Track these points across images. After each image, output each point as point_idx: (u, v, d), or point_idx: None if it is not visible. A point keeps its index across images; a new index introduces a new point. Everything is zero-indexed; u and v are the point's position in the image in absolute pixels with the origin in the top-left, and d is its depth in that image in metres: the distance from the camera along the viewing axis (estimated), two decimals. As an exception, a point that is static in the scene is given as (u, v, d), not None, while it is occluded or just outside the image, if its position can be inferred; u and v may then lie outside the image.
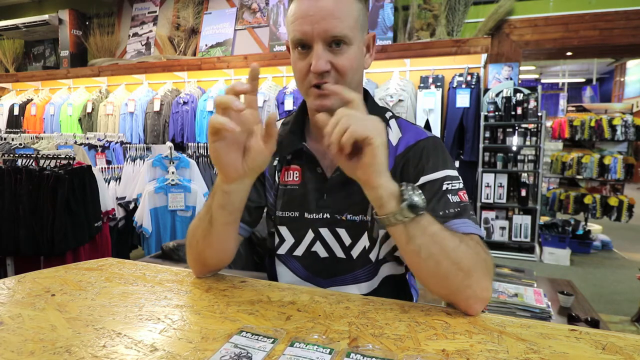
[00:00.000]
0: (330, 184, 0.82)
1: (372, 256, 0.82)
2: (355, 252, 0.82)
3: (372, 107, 0.84)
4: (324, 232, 0.83)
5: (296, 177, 0.86)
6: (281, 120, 0.94)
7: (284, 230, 0.86)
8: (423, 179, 0.75)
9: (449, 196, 0.72)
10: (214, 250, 0.76)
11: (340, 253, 0.83)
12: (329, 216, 0.82)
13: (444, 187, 0.73)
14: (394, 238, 0.65)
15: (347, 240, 0.82)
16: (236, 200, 0.71)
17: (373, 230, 0.81)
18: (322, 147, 0.84)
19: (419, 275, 0.67)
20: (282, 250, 0.87)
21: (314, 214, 0.83)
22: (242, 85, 0.63)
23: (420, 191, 0.62)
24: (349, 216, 0.81)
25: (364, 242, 0.81)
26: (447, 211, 0.71)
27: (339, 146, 0.60)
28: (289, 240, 0.86)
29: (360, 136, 0.58)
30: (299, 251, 0.85)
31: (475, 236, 0.69)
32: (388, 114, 0.86)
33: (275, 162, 0.88)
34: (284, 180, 0.87)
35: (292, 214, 0.85)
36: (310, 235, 0.84)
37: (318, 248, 0.84)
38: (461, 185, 0.75)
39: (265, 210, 0.91)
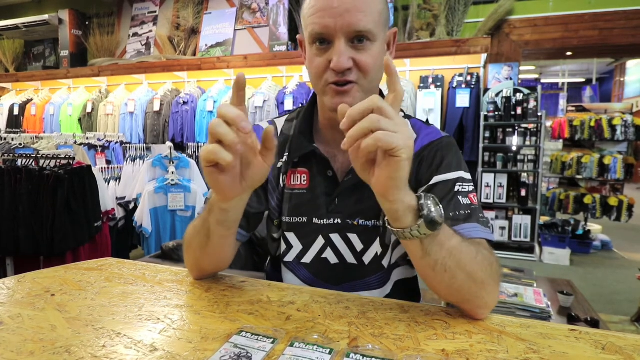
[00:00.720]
0: (342, 188, 0.79)
1: (385, 262, 0.79)
2: (367, 258, 0.79)
3: None
4: (335, 237, 0.80)
5: (304, 180, 0.82)
6: (285, 117, 0.90)
7: (291, 236, 0.83)
8: (436, 179, 0.73)
9: (460, 198, 0.71)
10: (211, 258, 0.74)
11: (351, 259, 0.80)
12: (340, 221, 0.79)
13: (456, 189, 0.72)
14: (408, 251, 0.62)
15: (359, 246, 0.79)
16: (234, 215, 0.67)
17: (386, 235, 0.78)
18: (333, 149, 0.82)
19: (431, 286, 0.64)
20: (289, 258, 0.83)
21: (324, 220, 0.80)
22: (232, 114, 0.53)
23: (438, 203, 0.57)
24: (361, 221, 0.78)
25: (376, 247, 0.79)
26: (457, 213, 0.69)
27: (355, 144, 0.52)
28: (297, 247, 0.83)
29: (387, 145, 0.50)
30: (308, 258, 0.82)
31: (485, 242, 0.67)
32: (400, 115, 0.84)
33: (280, 164, 0.84)
34: (290, 184, 0.83)
35: (300, 219, 0.82)
36: (320, 241, 0.81)
37: (328, 254, 0.81)
38: (472, 188, 0.73)
39: (265, 213, 0.87)
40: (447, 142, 0.79)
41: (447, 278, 0.60)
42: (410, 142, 0.53)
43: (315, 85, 0.74)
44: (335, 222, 0.80)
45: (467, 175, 0.74)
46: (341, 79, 0.69)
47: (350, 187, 0.78)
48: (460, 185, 0.72)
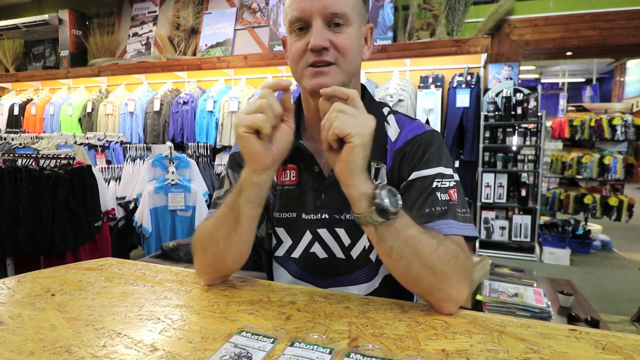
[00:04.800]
0: (328, 183, 0.80)
1: (372, 256, 0.80)
2: (355, 253, 0.81)
3: (370, 103, 0.82)
4: (323, 232, 0.81)
5: (293, 176, 0.84)
6: None
7: (281, 231, 0.85)
8: (415, 174, 0.74)
9: (438, 194, 0.71)
10: (235, 249, 0.73)
11: (339, 253, 0.81)
12: (327, 216, 0.81)
13: (434, 185, 0.72)
14: (367, 235, 0.67)
15: (347, 241, 0.81)
16: (264, 191, 0.70)
17: None
18: (318, 145, 0.83)
19: (392, 273, 0.68)
20: (279, 252, 0.85)
21: (312, 215, 0.82)
22: (285, 82, 0.67)
23: (395, 194, 0.62)
24: (347, 215, 0.79)
25: (363, 242, 0.80)
26: (433, 209, 0.70)
27: (327, 142, 0.62)
28: (287, 242, 0.85)
29: (341, 133, 0.60)
30: (297, 253, 0.84)
31: (458, 238, 0.68)
32: (386, 110, 0.84)
33: None
34: (281, 180, 0.85)
35: (289, 214, 0.83)
36: (308, 236, 0.82)
37: (317, 249, 0.82)
38: (452, 184, 0.73)
39: None
40: (430, 137, 0.78)
41: (403, 266, 0.63)
42: (365, 130, 0.61)
43: (294, 70, 0.76)
44: (323, 217, 0.81)
45: (448, 171, 0.74)
46: (319, 59, 0.71)
47: (336, 182, 0.78)
48: (439, 182, 0.72)
